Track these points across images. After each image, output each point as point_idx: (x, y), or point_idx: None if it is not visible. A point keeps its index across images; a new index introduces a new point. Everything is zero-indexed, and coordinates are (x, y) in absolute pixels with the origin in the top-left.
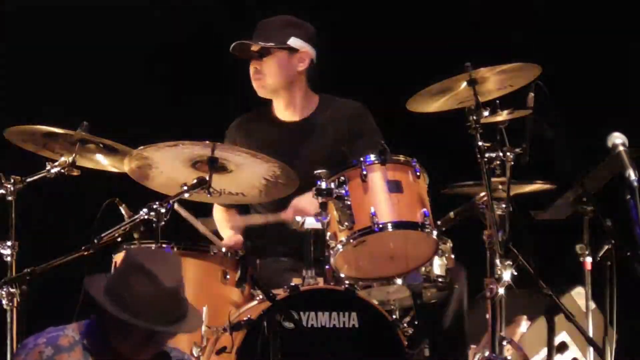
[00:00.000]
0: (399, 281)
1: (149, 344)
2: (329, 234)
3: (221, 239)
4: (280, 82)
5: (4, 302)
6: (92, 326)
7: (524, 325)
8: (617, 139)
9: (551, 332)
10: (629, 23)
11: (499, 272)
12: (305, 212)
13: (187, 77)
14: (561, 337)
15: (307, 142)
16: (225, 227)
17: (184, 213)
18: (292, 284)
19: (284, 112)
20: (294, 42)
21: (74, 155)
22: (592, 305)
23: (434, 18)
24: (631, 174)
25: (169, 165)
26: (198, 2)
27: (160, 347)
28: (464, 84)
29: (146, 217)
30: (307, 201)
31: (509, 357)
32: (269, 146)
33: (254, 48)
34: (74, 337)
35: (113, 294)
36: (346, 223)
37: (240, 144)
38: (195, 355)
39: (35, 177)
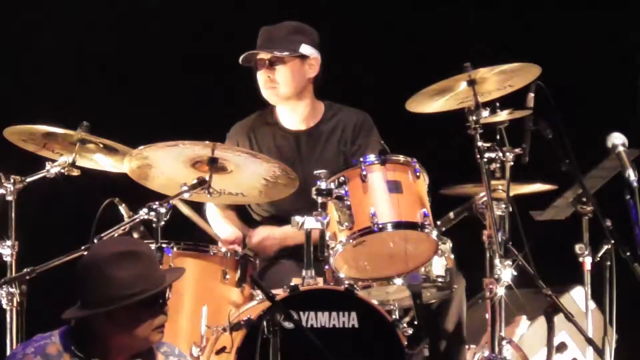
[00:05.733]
0: (398, 281)
1: (155, 315)
2: (328, 234)
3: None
4: (293, 90)
5: (4, 301)
6: (77, 331)
7: (523, 325)
8: (617, 139)
9: (551, 332)
10: (630, 21)
11: (498, 272)
12: (265, 250)
13: (187, 77)
14: (560, 337)
15: (314, 152)
16: (223, 223)
17: (186, 210)
18: (292, 283)
19: (289, 119)
20: (304, 49)
21: (73, 155)
22: (592, 305)
23: (433, 18)
24: (631, 174)
25: (168, 166)
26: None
27: (165, 315)
28: (464, 84)
29: (146, 217)
30: (276, 242)
31: (508, 357)
32: (275, 154)
33: (265, 56)
34: (63, 345)
35: (95, 302)
36: (346, 223)
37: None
38: (195, 355)
39: (35, 177)
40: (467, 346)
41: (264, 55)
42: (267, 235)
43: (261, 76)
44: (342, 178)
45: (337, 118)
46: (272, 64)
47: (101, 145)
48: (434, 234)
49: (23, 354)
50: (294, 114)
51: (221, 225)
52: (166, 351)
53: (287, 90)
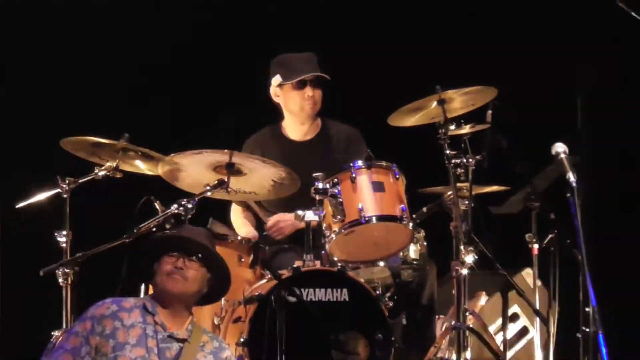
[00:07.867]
0: (381, 263)
1: (168, 260)
2: (324, 225)
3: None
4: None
5: (60, 280)
6: (150, 295)
7: (483, 299)
8: (560, 147)
9: (505, 305)
10: (574, 46)
11: (463, 256)
12: (280, 230)
13: (209, 96)
14: (513, 309)
15: (314, 159)
16: (243, 226)
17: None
18: (295, 265)
19: (296, 132)
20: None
21: (117, 161)
22: (539, 283)
23: (409, 48)
24: (571, 176)
25: (194, 169)
26: (228, 19)
27: (177, 269)
28: (435, 103)
29: (176, 211)
30: (289, 223)
31: (471, 325)
32: (282, 161)
33: (309, 78)
34: (135, 303)
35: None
36: (339, 216)
37: None
38: (216, 323)
39: (86, 179)
40: (437, 316)
41: (308, 77)
42: (280, 218)
43: (305, 94)
44: (336, 180)
45: (333, 131)
46: (315, 86)
47: (139, 153)
48: (410, 225)
49: (103, 302)
50: (302, 127)
51: (240, 228)
52: (212, 336)
53: (319, 108)
